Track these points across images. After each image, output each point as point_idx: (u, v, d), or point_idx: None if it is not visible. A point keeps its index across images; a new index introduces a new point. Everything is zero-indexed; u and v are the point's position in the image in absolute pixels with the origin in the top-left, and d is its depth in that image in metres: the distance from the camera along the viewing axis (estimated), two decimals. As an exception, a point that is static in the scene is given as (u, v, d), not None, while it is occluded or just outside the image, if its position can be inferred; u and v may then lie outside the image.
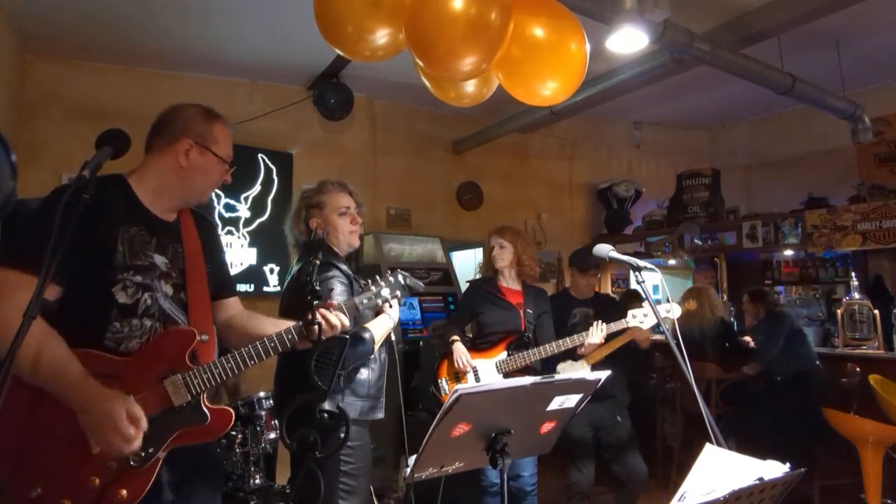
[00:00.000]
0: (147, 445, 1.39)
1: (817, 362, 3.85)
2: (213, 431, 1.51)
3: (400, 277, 1.79)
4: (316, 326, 1.54)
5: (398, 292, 1.78)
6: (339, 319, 1.62)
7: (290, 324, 1.60)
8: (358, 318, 2.11)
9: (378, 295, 1.75)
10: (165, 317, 1.52)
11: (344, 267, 2.13)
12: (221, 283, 1.73)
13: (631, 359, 3.30)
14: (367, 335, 2.05)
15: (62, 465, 1.34)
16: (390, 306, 1.82)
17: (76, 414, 1.35)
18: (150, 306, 1.49)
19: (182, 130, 1.58)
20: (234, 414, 1.54)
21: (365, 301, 1.74)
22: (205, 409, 1.48)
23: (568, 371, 3.10)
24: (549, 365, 3.10)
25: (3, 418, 1.32)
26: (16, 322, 1.11)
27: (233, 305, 1.79)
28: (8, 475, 1.33)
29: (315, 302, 1.55)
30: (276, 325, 1.63)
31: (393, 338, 2.30)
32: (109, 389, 1.35)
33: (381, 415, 2.19)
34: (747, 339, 4.37)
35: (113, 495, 1.36)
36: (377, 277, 1.79)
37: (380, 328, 2.11)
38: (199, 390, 1.46)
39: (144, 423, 1.36)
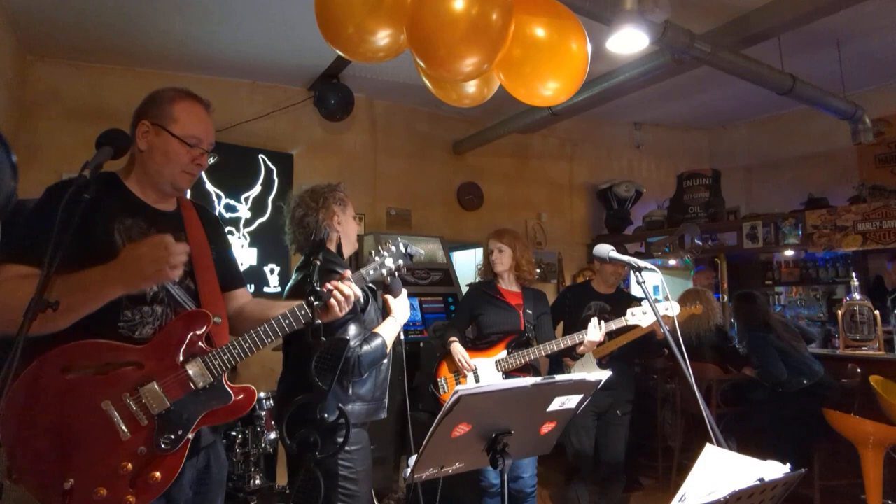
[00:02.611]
0: (175, 428, 1.41)
1: (821, 374, 3.71)
2: (238, 410, 1.52)
3: (401, 246, 1.77)
4: (332, 301, 1.57)
5: (401, 261, 1.76)
6: (352, 290, 1.63)
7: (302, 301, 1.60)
8: (367, 322, 2.13)
9: (382, 265, 1.74)
10: (175, 303, 1.53)
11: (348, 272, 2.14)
12: (229, 274, 1.73)
13: (637, 352, 3.26)
14: (378, 340, 2.07)
15: (92, 456, 1.35)
16: (395, 276, 1.80)
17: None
18: (157, 292, 1.50)
19: (140, 113, 1.54)
20: (256, 391, 1.55)
21: (371, 272, 1.73)
22: (227, 388, 1.50)
23: (580, 369, 3.09)
24: (553, 368, 3.10)
25: (27, 414, 1.33)
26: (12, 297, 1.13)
27: (242, 296, 1.78)
28: (33, 470, 1.34)
29: (316, 303, 1.55)
30: (287, 306, 1.62)
31: (402, 336, 2.32)
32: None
33: (384, 415, 2.20)
34: None
35: (146, 479, 1.38)
36: (379, 248, 1.77)
37: (389, 331, 2.13)
38: (219, 371, 1.48)
39: (173, 242, 1.36)
